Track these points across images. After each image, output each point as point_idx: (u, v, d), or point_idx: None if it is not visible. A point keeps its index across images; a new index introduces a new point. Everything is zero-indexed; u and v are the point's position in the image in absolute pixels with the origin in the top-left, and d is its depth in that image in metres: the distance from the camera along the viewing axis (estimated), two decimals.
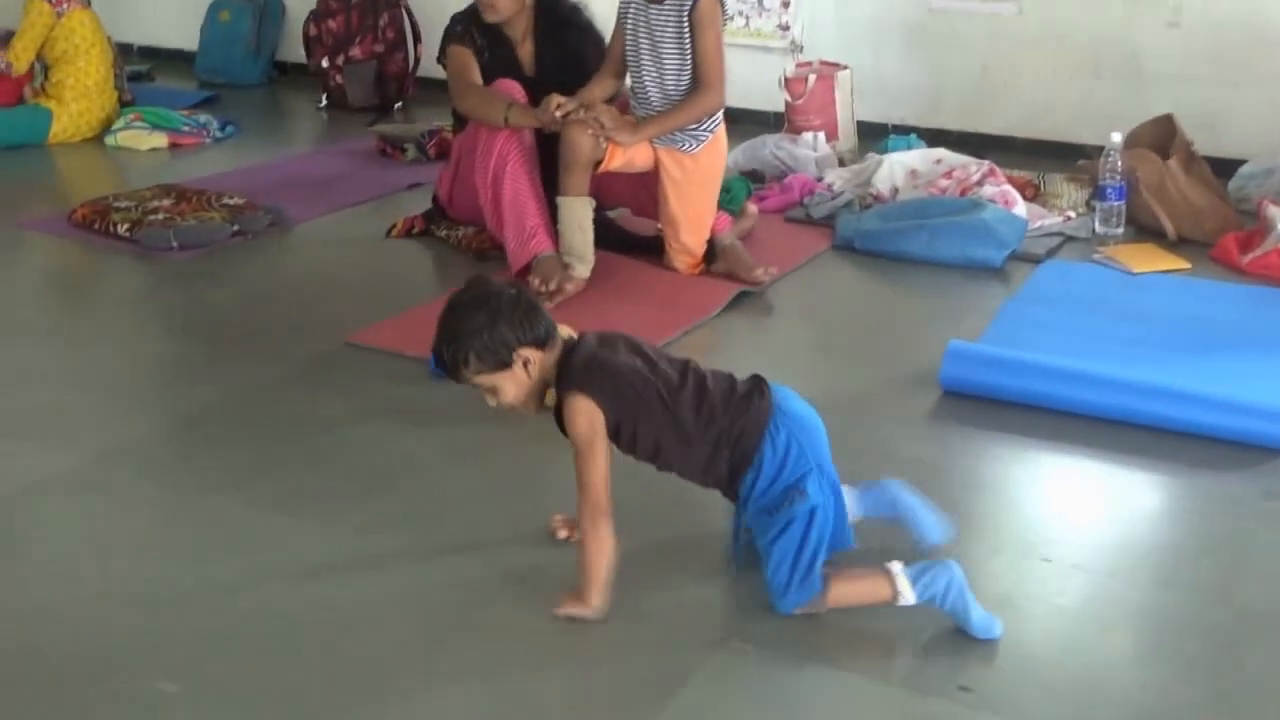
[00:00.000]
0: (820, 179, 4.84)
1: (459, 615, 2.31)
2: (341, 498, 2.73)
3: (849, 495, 2.36)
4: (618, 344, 2.29)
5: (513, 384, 2.25)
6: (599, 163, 3.75)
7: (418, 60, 6.48)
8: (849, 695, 2.12)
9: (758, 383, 2.31)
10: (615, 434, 2.24)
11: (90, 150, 5.76)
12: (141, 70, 6.94)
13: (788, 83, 5.27)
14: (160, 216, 4.38)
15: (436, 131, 5.40)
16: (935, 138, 5.22)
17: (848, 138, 5.34)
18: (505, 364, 2.22)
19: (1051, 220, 4.40)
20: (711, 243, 3.96)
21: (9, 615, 2.34)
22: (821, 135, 5.14)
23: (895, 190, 4.62)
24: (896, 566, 2.20)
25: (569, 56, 4.11)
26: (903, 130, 5.36)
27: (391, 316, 3.64)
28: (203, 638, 2.26)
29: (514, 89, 3.92)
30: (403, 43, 6.48)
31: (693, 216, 3.90)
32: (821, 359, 3.53)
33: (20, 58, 5.68)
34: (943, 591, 2.17)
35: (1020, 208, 4.30)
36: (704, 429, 2.24)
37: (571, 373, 2.23)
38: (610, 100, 3.87)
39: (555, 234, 3.82)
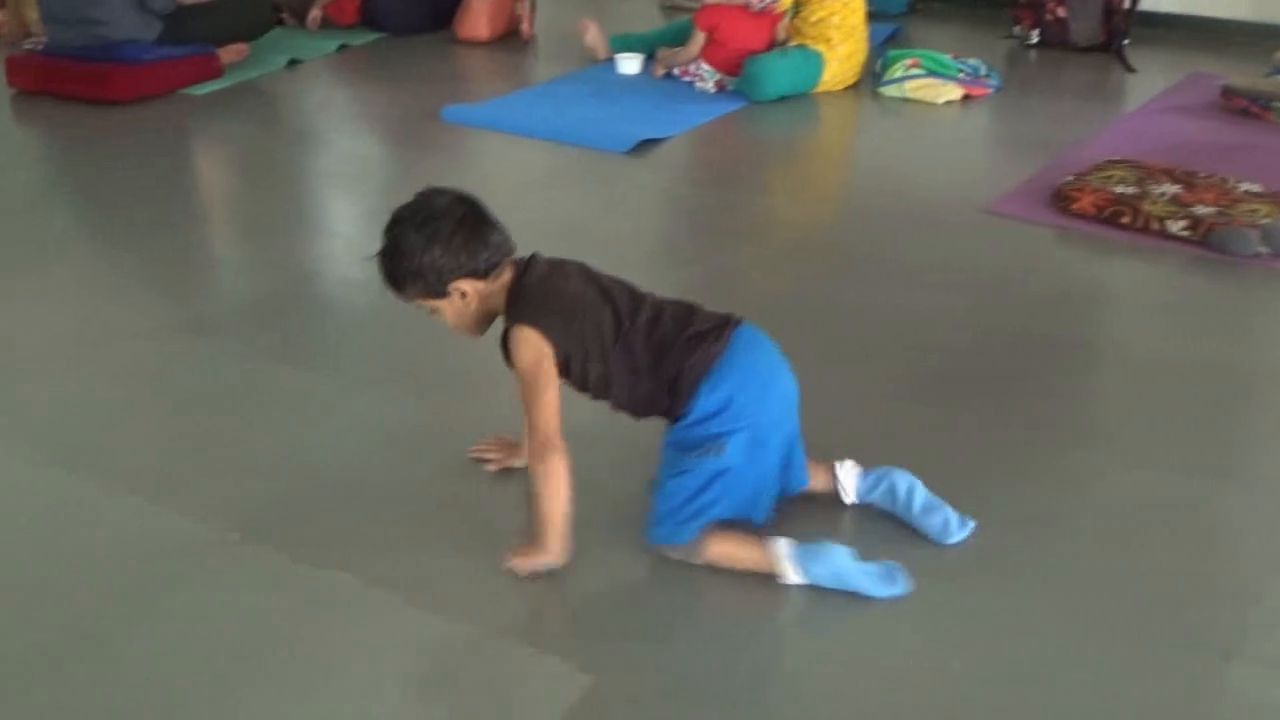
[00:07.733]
0: None
1: None
2: None
3: (855, 477, 2.23)
4: (569, 270, 2.14)
5: (451, 311, 2.12)
6: None
7: None
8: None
9: (720, 324, 2.11)
10: (565, 368, 2.09)
11: (864, 101, 4.84)
12: None
13: None
14: (1209, 211, 3.47)
15: None
16: None
17: None
18: (440, 294, 2.09)
19: None
20: None
21: None
22: None
23: None
24: (782, 546, 2.06)
25: None
26: None
27: None
28: None
29: None
30: None
31: None
32: None
33: None
34: (827, 577, 2.05)
35: None
36: (654, 363, 2.08)
37: (519, 302, 2.08)
38: None
39: None
